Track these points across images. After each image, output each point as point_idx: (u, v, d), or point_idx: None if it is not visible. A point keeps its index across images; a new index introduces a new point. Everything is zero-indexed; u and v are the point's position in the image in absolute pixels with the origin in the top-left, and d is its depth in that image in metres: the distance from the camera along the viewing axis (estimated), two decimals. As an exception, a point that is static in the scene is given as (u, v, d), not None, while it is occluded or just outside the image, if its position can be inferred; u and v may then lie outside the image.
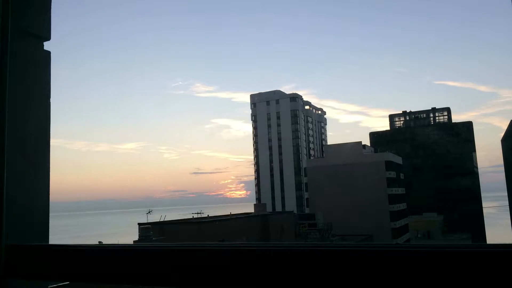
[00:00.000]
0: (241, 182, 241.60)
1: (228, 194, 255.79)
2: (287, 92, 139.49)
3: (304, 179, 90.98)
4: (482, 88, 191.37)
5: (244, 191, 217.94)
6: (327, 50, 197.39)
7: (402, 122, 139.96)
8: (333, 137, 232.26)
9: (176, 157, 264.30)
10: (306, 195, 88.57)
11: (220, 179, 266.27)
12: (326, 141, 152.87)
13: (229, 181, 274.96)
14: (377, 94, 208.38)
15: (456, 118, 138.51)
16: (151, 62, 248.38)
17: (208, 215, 50.08)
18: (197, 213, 50.05)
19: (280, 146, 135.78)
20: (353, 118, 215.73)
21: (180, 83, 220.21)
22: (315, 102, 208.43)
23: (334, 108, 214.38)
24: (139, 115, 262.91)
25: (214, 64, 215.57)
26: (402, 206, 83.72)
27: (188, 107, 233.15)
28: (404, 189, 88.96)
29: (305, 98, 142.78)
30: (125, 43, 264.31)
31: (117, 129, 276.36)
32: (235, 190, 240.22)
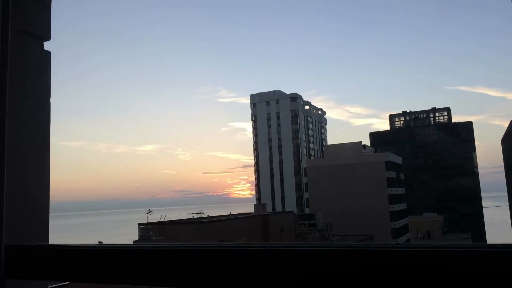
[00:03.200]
0: (248, 183, 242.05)
1: (233, 194, 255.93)
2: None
3: (304, 179, 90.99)
4: (492, 92, 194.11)
5: (249, 191, 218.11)
6: (345, 55, 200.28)
7: (402, 122, 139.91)
8: (344, 139, 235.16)
9: (189, 159, 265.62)
10: (306, 195, 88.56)
11: (228, 179, 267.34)
12: (326, 141, 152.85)
13: (236, 181, 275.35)
14: (389, 98, 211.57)
15: (464, 120, 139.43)
16: (177, 67, 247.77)
17: (208, 215, 50.07)
18: (197, 213, 50.04)
19: (280, 146, 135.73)
20: (364, 121, 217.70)
21: (209, 88, 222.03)
22: (332, 106, 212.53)
23: (349, 112, 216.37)
24: (161, 119, 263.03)
25: (238, 71, 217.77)
26: (402, 206, 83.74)
27: (210, 111, 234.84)
28: (404, 189, 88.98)
29: (323, 103, 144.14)
30: (125, 42, 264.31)
31: (138, 132, 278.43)
32: (240, 191, 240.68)
